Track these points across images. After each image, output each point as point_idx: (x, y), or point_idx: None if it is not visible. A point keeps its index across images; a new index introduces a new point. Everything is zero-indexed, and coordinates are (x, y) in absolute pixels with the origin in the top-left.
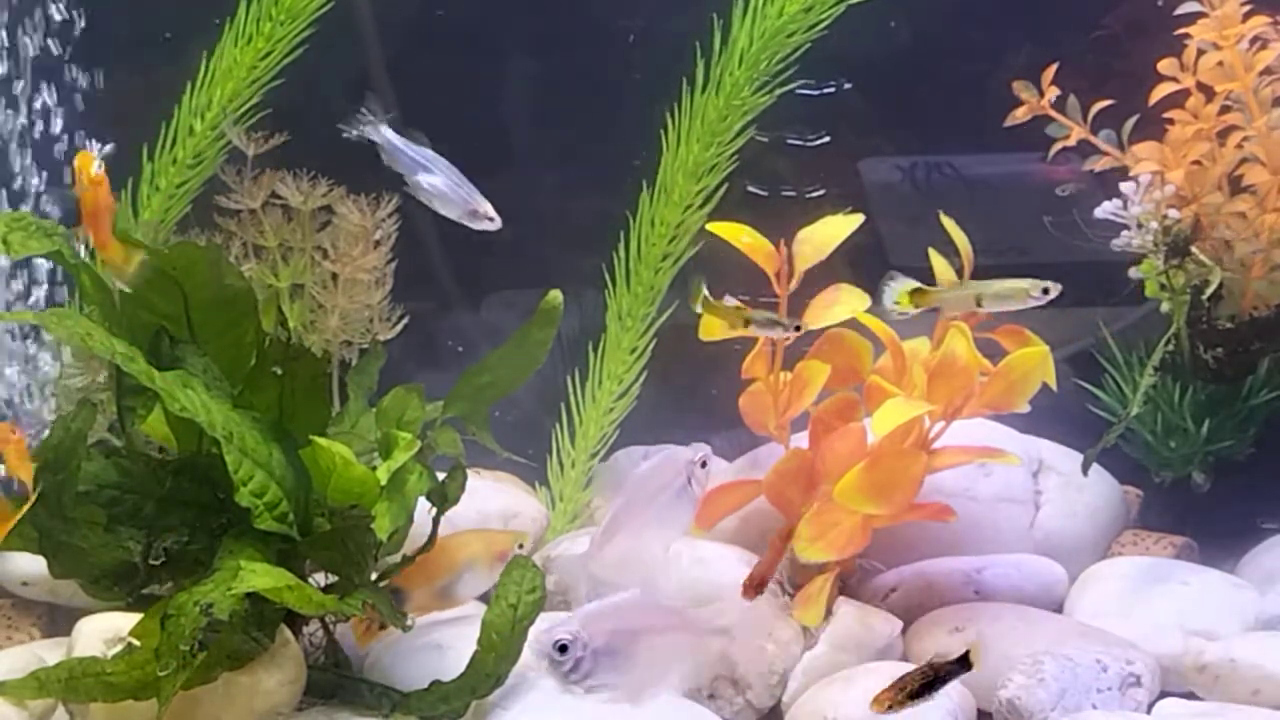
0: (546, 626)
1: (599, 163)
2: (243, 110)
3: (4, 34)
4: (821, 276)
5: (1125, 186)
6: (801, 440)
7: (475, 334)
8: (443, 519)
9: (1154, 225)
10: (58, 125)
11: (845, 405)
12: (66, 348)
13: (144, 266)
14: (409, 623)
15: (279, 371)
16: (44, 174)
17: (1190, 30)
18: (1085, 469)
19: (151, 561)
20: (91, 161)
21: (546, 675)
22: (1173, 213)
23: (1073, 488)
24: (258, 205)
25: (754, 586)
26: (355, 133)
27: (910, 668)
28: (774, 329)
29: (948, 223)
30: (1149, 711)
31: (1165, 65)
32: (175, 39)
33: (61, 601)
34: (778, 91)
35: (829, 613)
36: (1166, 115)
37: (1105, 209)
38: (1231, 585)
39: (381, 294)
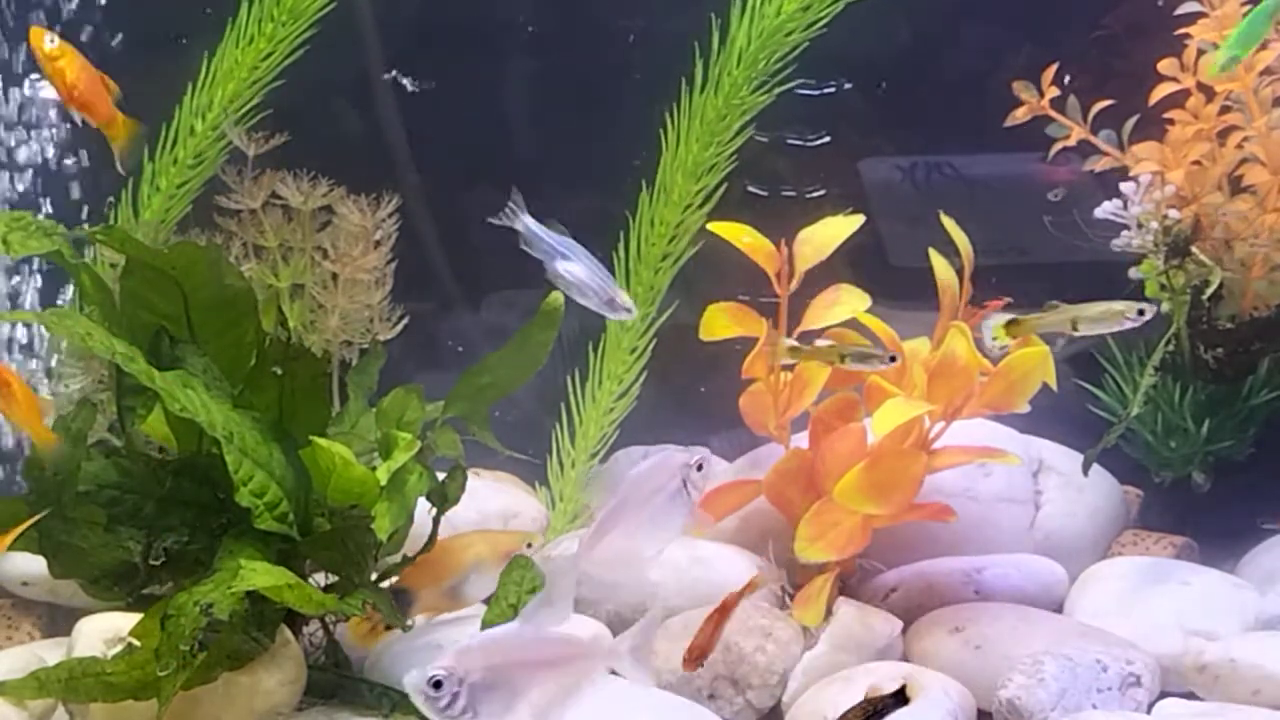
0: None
1: (599, 163)
2: (244, 110)
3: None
4: (822, 277)
5: (1125, 187)
6: (801, 440)
7: (475, 334)
8: (443, 519)
9: (1154, 225)
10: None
11: (845, 405)
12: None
13: (139, 142)
14: (409, 623)
15: (279, 371)
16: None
17: (1190, 30)
18: (1085, 469)
19: (151, 561)
20: (43, 36)
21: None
22: (1173, 213)
23: (1073, 488)
24: (258, 205)
25: (693, 659)
26: (501, 221)
27: (910, 668)
28: (870, 362)
29: (948, 223)
30: (1149, 711)
31: (1165, 65)
32: (177, 39)
33: (61, 601)
34: (777, 91)
35: (829, 613)
36: (1166, 115)
37: (1105, 209)
38: (1231, 585)
39: (382, 294)
